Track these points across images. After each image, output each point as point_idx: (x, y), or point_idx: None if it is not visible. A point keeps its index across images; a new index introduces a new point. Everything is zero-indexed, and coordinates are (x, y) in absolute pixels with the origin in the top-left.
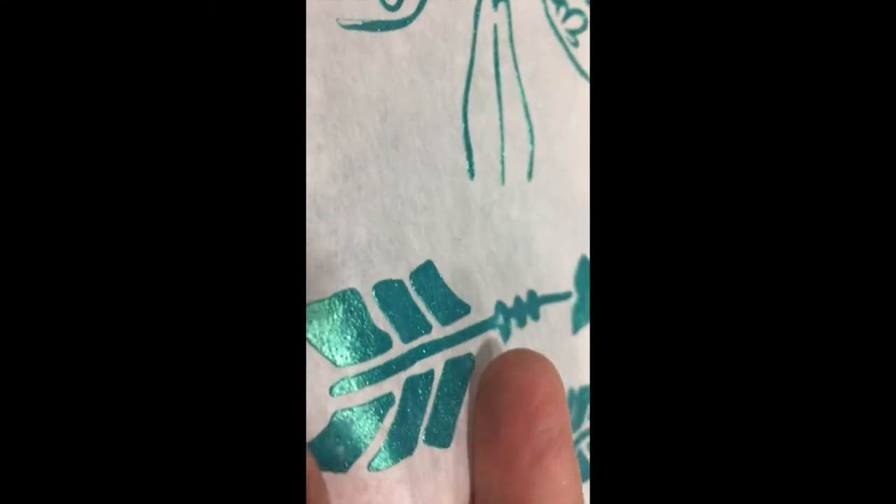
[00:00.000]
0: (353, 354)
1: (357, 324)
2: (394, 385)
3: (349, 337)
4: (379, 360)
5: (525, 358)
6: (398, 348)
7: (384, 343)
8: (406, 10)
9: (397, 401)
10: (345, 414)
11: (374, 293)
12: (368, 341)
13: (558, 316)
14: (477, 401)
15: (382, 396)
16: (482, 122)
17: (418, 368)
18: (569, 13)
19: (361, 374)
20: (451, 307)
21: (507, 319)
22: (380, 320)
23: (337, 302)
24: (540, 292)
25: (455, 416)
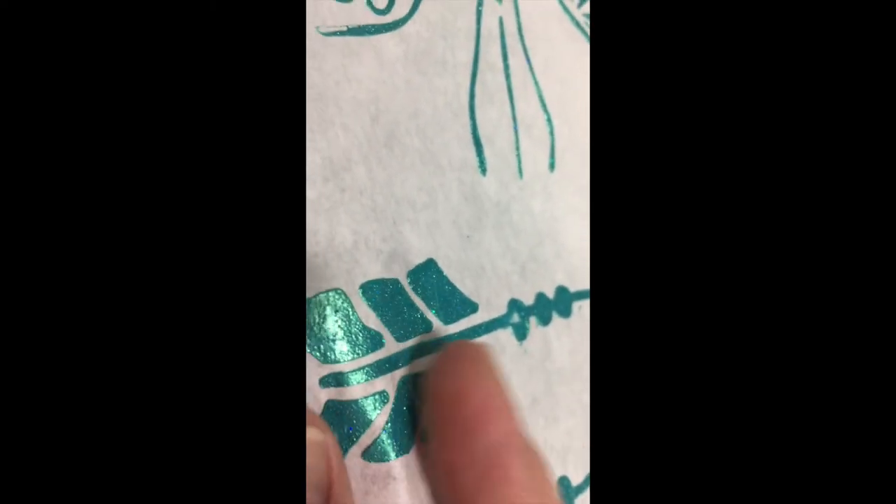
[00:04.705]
0: (341, 352)
1: (343, 324)
2: (387, 383)
3: (335, 335)
4: (370, 359)
5: (456, 361)
6: (391, 347)
7: (375, 342)
8: (398, 12)
9: (391, 398)
10: (336, 404)
11: (360, 293)
12: (356, 340)
13: None
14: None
15: (376, 393)
16: (492, 117)
17: (417, 367)
18: None
19: (351, 371)
20: (456, 305)
21: (524, 317)
22: (370, 319)
23: (321, 301)
24: (573, 288)
25: None
